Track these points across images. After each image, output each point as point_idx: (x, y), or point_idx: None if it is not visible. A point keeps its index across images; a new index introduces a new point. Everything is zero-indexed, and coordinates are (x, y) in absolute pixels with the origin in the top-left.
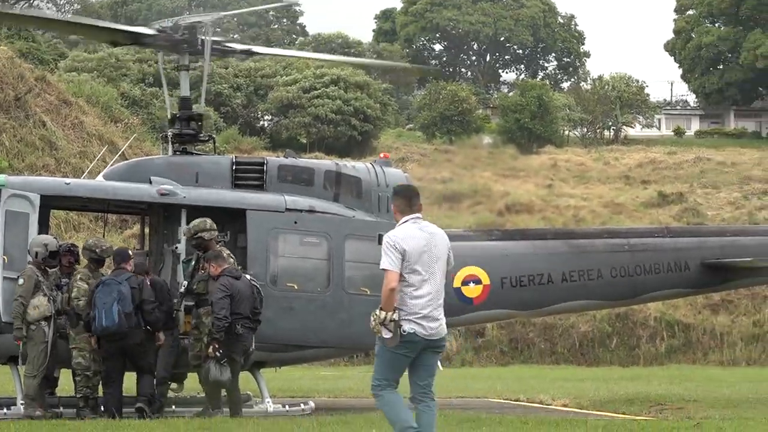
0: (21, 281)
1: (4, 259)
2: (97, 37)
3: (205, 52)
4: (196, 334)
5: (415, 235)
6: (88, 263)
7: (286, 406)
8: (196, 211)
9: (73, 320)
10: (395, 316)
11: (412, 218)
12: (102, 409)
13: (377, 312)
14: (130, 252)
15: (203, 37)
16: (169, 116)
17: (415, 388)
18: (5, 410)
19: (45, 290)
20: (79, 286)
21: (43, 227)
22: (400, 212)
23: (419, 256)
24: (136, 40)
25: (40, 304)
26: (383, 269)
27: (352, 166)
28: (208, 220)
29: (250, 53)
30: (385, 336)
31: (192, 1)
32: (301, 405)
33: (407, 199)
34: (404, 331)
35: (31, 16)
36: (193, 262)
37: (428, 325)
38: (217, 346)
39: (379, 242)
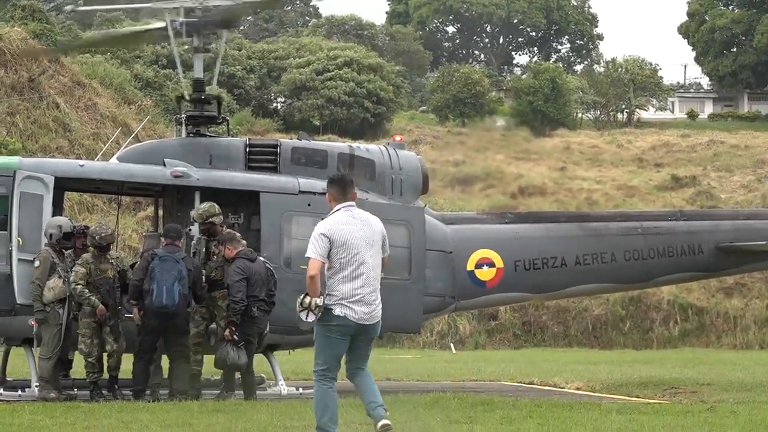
0: (37, 263)
1: (18, 240)
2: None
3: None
4: (203, 313)
5: (346, 221)
6: (92, 249)
7: (300, 389)
8: (209, 193)
9: (77, 304)
10: (319, 302)
11: (345, 206)
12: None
13: (301, 297)
14: (181, 229)
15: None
16: (186, 97)
17: (349, 368)
18: (20, 392)
19: (60, 272)
20: (77, 270)
21: (57, 209)
22: (334, 200)
23: (349, 242)
24: (157, 35)
25: (55, 286)
26: (307, 257)
27: (365, 148)
28: (215, 205)
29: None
30: (308, 319)
31: None
32: (300, 389)
33: (342, 188)
34: (336, 315)
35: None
36: (203, 249)
37: (360, 309)
38: (234, 329)
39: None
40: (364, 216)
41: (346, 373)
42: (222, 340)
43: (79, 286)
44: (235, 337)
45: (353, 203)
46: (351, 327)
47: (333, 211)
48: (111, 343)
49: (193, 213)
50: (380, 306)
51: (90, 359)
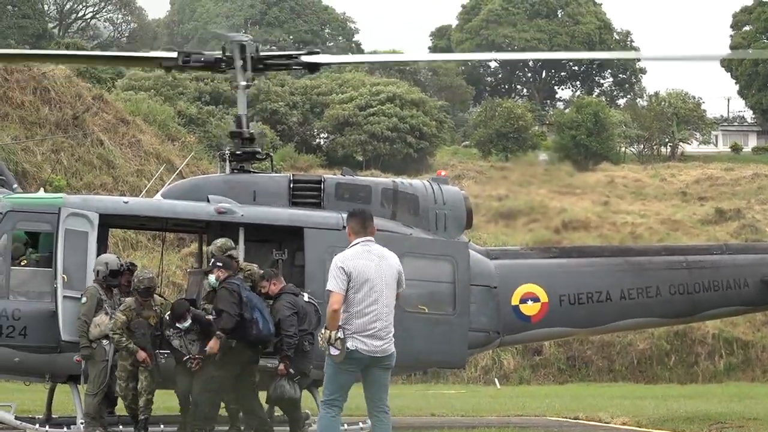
0: (84, 299)
1: (63, 278)
2: (146, 64)
3: (244, 69)
4: None
5: (363, 257)
6: (135, 294)
7: (345, 425)
8: (253, 229)
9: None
10: (340, 335)
11: (362, 241)
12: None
13: (323, 331)
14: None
15: (247, 54)
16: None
17: (369, 404)
18: (65, 429)
19: (107, 309)
20: (117, 317)
21: (102, 246)
22: (354, 233)
23: (366, 277)
24: (186, 63)
25: (101, 323)
26: (328, 290)
27: (408, 183)
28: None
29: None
30: (332, 353)
31: (248, 19)
32: (360, 424)
33: (362, 221)
34: (347, 348)
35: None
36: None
37: (372, 343)
38: (288, 363)
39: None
40: (381, 251)
41: (367, 408)
42: (276, 375)
43: (117, 336)
44: (290, 371)
45: (372, 238)
46: (362, 360)
47: (351, 245)
48: (143, 382)
49: (211, 248)
50: (392, 340)
51: (126, 402)
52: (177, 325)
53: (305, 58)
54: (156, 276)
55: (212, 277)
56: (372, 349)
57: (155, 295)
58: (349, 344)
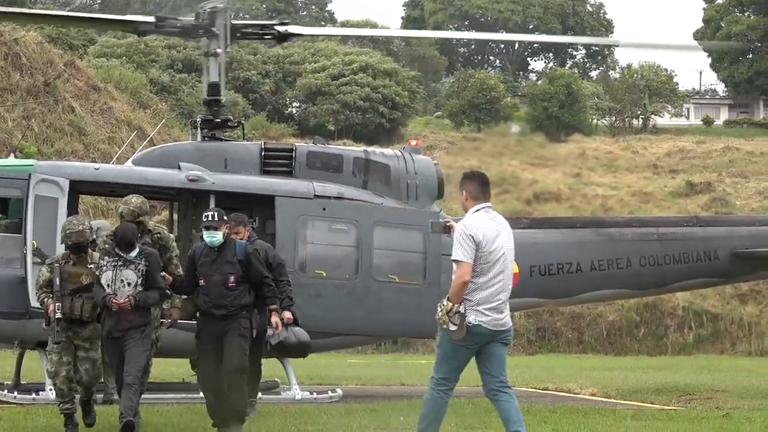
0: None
1: (34, 243)
2: (121, 27)
3: (221, 38)
4: None
5: (488, 225)
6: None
7: (314, 394)
8: (224, 196)
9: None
10: (461, 309)
11: (484, 207)
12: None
13: (444, 302)
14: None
15: (224, 22)
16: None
17: (489, 381)
18: (34, 395)
19: None
20: (41, 273)
21: (72, 213)
22: (473, 198)
23: (494, 246)
24: (160, 28)
25: None
26: (456, 260)
27: (380, 153)
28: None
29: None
30: (451, 329)
31: None
32: (329, 392)
33: (482, 185)
34: (470, 323)
35: (48, 14)
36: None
37: (496, 316)
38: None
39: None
40: (501, 220)
41: (485, 388)
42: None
43: (42, 293)
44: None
45: (491, 204)
46: (485, 335)
47: (472, 211)
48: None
49: (121, 208)
50: (509, 312)
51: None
52: (118, 251)
53: (278, 29)
54: (90, 229)
55: (219, 235)
56: (496, 322)
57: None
58: (472, 318)
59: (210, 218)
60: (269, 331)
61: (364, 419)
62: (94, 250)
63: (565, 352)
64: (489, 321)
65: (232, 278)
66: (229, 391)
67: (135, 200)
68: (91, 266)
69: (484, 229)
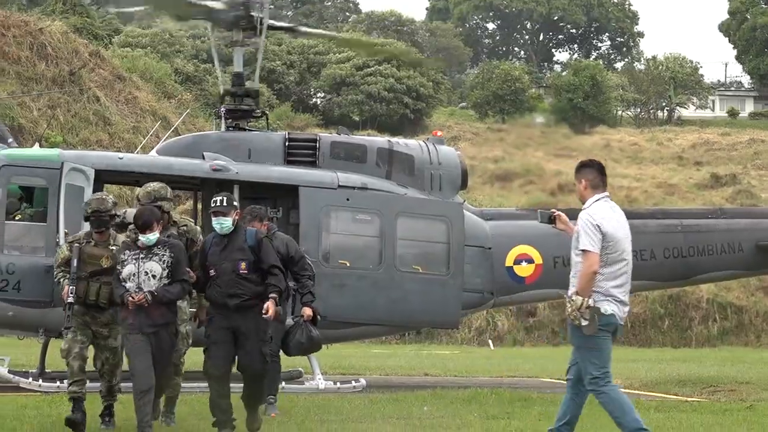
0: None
1: (65, 232)
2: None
3: (260, 30)
4: None
5: (611, 215)
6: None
7: (338, 384)
8: (248, 186)
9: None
10: (590, 302)
11: (604, 197)
12: None
13: (573, 298)
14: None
15: (257, 14)
16: (221, 92)
17: (573, 372)
18: (59, 383)
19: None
20: (60, 251)
21: None
22: (593, 188)
23: (617, 237)
24: (197, 13)
25: None
26: (584, 250)
27: (404, 143)
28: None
29: (295, 32)
30: (583, 324)
31: None
32: (353, 382)
33: (602, 174)
34: (604, 312)
35: None
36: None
37: (623, 308)
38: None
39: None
40: (618, 208)
41: (569, 374)
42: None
43: (59, 272)
44: (318, 316)
45: (608, 193)
46: (615, 327)
47: (593, 200)
48: (103, 363)
49: (139, 191)
50: None
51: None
52: (140, 237)
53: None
54: (114, 203)
55: (228, 221)
56: (621, 315)
57: (116, 232)
58: (607, 308)
59: (219, 203)
60: (293, 337)
61: (388, 409)
62: (117, 232)
63: None
64: (618, 311)
65: (243, 265)
66: (251, 399)
67: (153, 184)
68: (113, 248)
69: (609, 219)
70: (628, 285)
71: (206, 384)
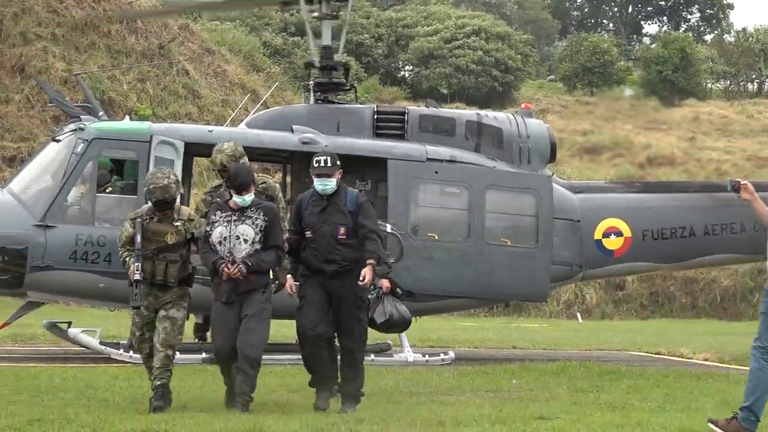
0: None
1: None
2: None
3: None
4: None
5: None
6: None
7: (426, 356)
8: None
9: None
10: None
11: None
12: None
13: None
14: None
15: None
16: (310, 64)
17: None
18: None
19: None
20: (123, 228)
21: (187, 174)
22: None
23: None
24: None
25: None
26: None
27: (493, 116)
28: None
29: None
30: None
31: None
32: (441, 355)
33: None
34: None
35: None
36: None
37: None
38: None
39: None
40: None
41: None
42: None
43: (122, 251)
44: (398, 290)
45: None
46: None
47: None
48: (160, 333)
49: (220, 157)
50: None
51: (142, 357)
52: (234, 198)
53: None
54: (176, 183)
55: (332, 182)
56: None
57: (182, 207)
58: None
59: (323, 164)
60: (375, 308)
61: (476, 382)
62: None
63: (678, 317)
64: None
65: (342, 230)
66: (348, 368)
67: (228, 144)
68: (177, 223)
69: None
70: None
71: (297, 355)
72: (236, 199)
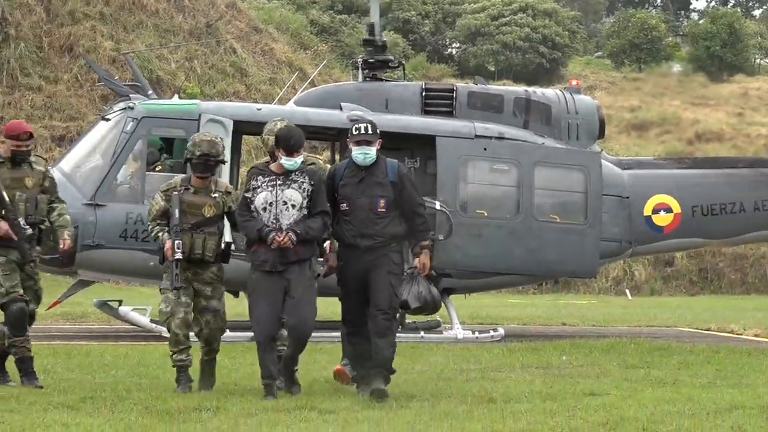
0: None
1: None
2: None
3: None
4: None
5: None
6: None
7: (476, 333)
8: (385, 137)
9: None
10: None
11: None
12: None
13: None
14: None
15: None
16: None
17: None
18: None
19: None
20: (154, 200)
21: (235, 153)
22: None
23: None
24: None
25: None
26: None
27: (541, 92)
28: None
29: None
30: None
31: None
32: (491, 332)
33: None
34: None
35: None
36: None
37: None
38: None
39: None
40: None
41: None
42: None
43: (152, 226)
44: (433, 272)
45: None
46: None
47: None
48: (203, 326)
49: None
50: None
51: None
52: (283, 160)
53: None
54: (223, 148)
55: (372, 151)
56: None
57: (218, 180)
58: None
59: (363, 131)
60: (410, 290)
61: (527, 358)
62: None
63: (727, 293)
64: None
65: (381, 202)
66: (376, 336)
67: (281, 122)
68: (215, 194)
69: None
70: None
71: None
72: (285, 162)
